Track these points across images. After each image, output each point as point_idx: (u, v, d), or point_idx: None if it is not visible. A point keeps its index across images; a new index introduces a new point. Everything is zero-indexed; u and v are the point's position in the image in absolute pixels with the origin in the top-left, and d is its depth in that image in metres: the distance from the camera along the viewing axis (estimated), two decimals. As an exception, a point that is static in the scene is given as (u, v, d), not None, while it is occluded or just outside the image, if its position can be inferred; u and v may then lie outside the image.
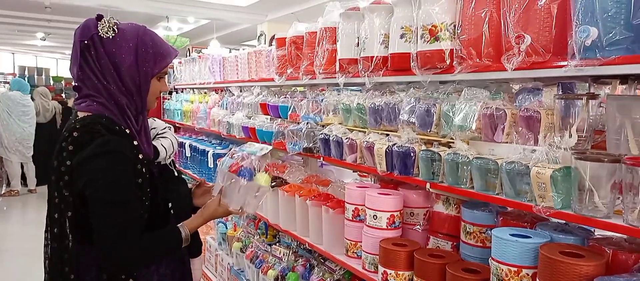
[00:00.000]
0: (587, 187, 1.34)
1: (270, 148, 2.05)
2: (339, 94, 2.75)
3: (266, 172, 1.95)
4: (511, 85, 1.94)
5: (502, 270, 1.49)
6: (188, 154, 4.93)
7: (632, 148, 1.35)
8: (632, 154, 1.33)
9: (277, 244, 3.17)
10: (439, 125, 1.96)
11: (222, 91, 4.77)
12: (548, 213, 1.42)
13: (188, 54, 7.00)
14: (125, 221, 1.48)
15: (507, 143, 1.70)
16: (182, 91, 6.19)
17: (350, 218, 2.29)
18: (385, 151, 2.07)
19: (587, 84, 1.66)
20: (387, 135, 2.22)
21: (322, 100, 2.84)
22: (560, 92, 1.66)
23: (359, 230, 2.24)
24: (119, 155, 1.48)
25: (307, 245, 2.68)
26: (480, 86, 1.91)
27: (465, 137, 1.82)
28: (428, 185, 1.90)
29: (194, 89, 5.68)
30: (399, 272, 1.94)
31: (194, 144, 4.75)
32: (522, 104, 1.76)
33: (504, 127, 1.71)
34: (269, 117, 3.48)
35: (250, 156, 1.92)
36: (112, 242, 1.47)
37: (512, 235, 1.52)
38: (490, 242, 1.59)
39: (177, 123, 5.78)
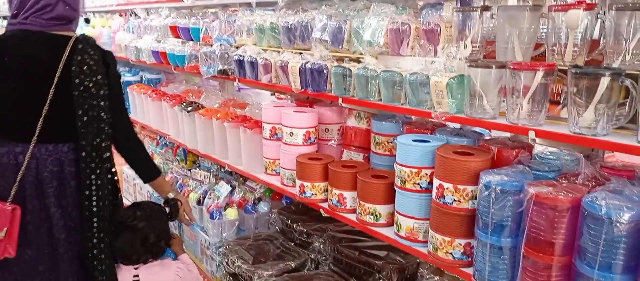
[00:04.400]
0: (478, 92, 1.48)
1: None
2: (252, 15, 2.69)
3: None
4: (417, 0, 2.01)
5: (405, 172, 1.63)
6: (95, 83, 4.62)
7: (518, 54, 1.49)
8: (517, 60, 1.48)
9: (197, 168, 3.17)
10: (350, 42, 2.02)
11: (126, 13, 4.44)
12: (444, 118, 1.56)
13: (85, -26, 6.33)
14: None
15: (411, 56, 1.80)
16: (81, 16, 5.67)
17: (268, 137, 2.34)
18: (299, 69, 2.11)
19: (483, -2, 1.77)
20: (301, 54, 2.24)
21: (234, 21, 2.77)
22: (459, 6, 1.76)
23: (276, 148, 2.31)
24: None
25: (227, 167, 2.71)
26: (389, 2, 1.97)
27: (374, 52, 1.89)
28: (340, 100, 1.98)
29: (95, 13, 5.23)
30: (314, 183, 2.05)
31: (101, 72, 4.45)
32: (425, 19, 1.85)
33: (408, 41, 1.80)
34: (180, 40, 3.34)
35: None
36: (137, 139, 2.07)
37: (414, 141, 1.65)
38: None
39: (80, 51, 5.35)
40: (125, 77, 4.03)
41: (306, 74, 2.08)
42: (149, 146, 3.75)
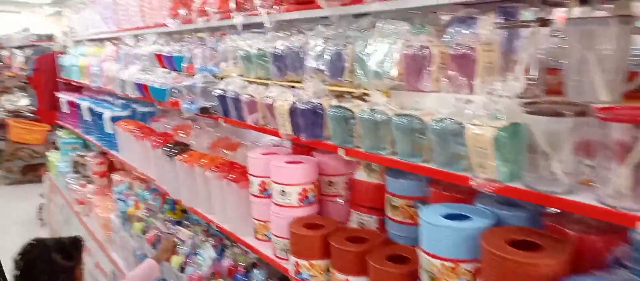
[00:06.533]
0: (542, 150, 0.96)
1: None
2: (238, 39, 2.23)
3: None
4: (439, 14, 1.50)
5: (435, 267, 1.12)
6: (88, 118, 4.24)
7: (600, 91, 0.97)
8: (601, 99, 0.96)
9: (187, 221, 2.70)
10: (352, 72, 1.53)
11: (118, 41, 4.06)
12: (492, 189, 1.04)
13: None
14: None
15: (435, 91, 1.30)
16: (81, 44, 5.36)
17: (257, 194, 1.86)
18: (289, 109, 1.62)
19: (535, 7, 1.25)
20: (293, 88, 1.76)
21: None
22: (500, 20, 1.25)
23: (267, 208, 1.82)
24: None
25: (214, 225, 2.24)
26: (401, 18, 1.47)
27: (384, 86, 1.39)
28: (340, 150, 1.48)
29: (91, 41, 4.89)
30: (312, 262, 1.55)
31: (92, 106, 4.07)
32: (454, 39, 1.34)
33: (431, 71, 1.30)
34: (167, 70, 2.91)
35: None
36: None
37: (445, 217, 1.14)
38: (420, 221, 1.22)
39: (74, 82, 5.00)
40: (114, 111, 3.63)
41: (297, 115, 1.60)
42: (138, 191, 3.31)
